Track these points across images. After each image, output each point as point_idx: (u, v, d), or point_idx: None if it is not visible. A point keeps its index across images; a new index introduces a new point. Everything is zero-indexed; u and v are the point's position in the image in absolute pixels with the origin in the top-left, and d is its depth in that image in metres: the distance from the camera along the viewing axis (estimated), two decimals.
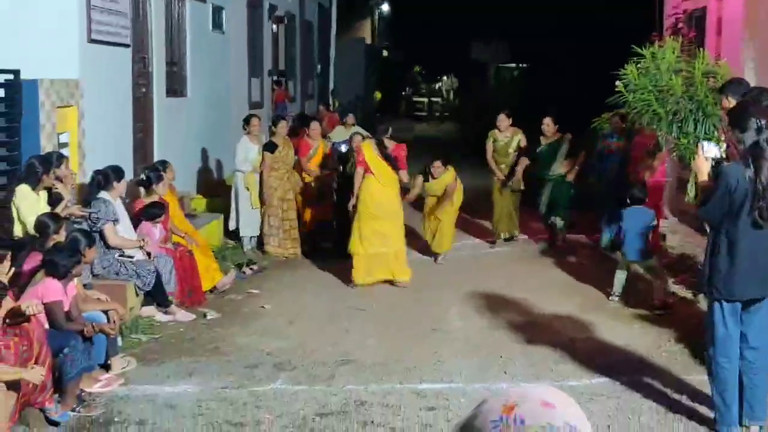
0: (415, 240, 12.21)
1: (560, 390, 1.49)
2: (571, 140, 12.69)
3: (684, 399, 6.88)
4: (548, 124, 12.65)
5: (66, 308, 6.99)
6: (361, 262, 10.53)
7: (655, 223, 10.28)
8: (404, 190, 11.16)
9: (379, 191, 10.53)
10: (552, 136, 12.66)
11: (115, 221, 8.90)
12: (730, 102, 7.38)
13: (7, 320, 6.10)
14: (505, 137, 12.68)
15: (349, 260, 10.62)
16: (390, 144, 10.73)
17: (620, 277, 9.89)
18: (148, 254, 9.07)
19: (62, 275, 6.95)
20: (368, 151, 10.63)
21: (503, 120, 12.74)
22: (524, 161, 12.68)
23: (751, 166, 5.78)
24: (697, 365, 7.55)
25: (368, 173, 10.56)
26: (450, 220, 11.97)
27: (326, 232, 12.61)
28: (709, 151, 7.66)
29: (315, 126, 12.75)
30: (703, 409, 6.61)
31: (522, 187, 12.83)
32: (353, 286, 10.50)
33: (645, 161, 11.74)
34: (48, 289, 6.87)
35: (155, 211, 9.55)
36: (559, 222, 12.73)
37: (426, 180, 11.89)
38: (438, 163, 11.97)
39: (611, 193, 12.12)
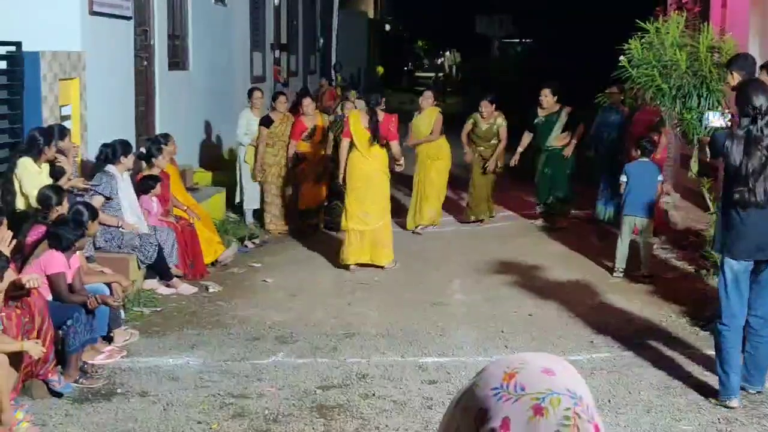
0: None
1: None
2: (570, 113, 12.60)
3: (685, 373, 6.89)
4: (546, 96, 12.52)
5: (69, 281, 7.00)
6: (349, 240, 10.21)
7: (661, 179, 10.12)
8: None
9: (361, 163, 10.16)
10: (550, 108, 12.57)
11: (108, 197, 8.87)
12: (735, 78, 7.34)
13: (9, 293, 6.10)
14: (488, 123, 12.56)
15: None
16: (380, 115, 10.29)
17: (623, 250, 9.83)
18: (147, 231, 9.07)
19: (65, 248, 6.95)
20: (355, 121, 10.25)
21: (486, 106, 12.58)
22: (527, 136, 12.61)
23: (742, 149, 5.84)
24: (699, 340, 7.58)
25: (353, 148, 10.21)
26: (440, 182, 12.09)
27: (319, 210, 12.42)
28: (715, 120, 7.65)
29: (307, 102, 12.31)
30: (704, 383, 6.63)
31: (500, 169, 12.76)
32: (343, 265, 10.18)
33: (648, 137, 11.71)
34: (51, 262, 6.88)
35: (149, 183, 9.53)
36: (559, 201, 12.67)
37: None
38: (429, 93, 12.33)
39: (607, 166, 12.22)
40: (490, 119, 12.55)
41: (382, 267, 10.20)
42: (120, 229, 8.83)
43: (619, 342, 7.63)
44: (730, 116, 7.49)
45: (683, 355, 7.28)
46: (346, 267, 10.16)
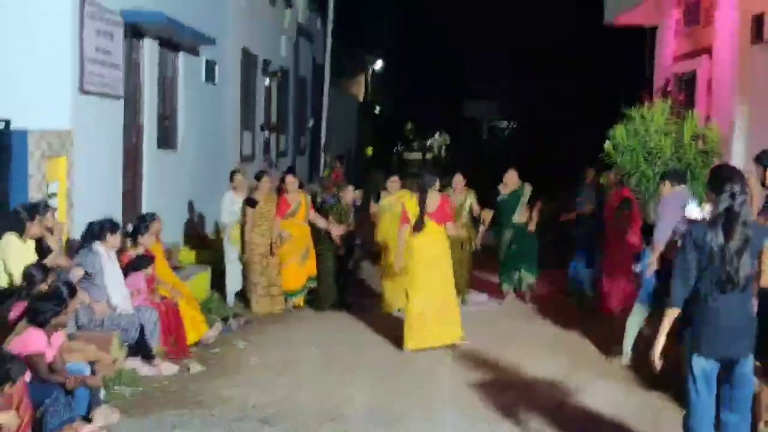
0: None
1: None
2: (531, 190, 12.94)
3: None
4: (512, 176, 12.86)
5: (49, 359, 6.92)
6: (414, 323, 10.06)
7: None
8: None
9: (428, 247, 10.13)
10: (513, 186, 12.84)
11: (89, 273, 8.83)
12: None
13: None
14: (459, 199, 12.66)
15: (325, 311, 10.57)
16: (435, 196, 10.26)
17: (635, 330, 9.58)
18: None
19: (43, 323, 6.88)
20: (412, 206, 10.23)
21: (459, 181, 12.77)
22: (487, 215, 12.67)
23: (721, 231, 5.71)
24: None
25: (413, 230, 10.14)
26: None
27: (303, 290, 12.44)
28: (692, 211, 7.71)
29: (291, 180, 12.45)
30: None
31: (478, 246, 12.84)
32: (407, 351, 10.04)
33: (615, 220, 11.84)
34: (30, 340, 6.81)
35: (142, 262, 9.52)
36: (530, 278, 12.87)
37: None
38: (395, 178, 12.40)
39: (583, 242, 12.48)
40: (461, 195, 12.63)
41: (451, 346, 10.12)
42: (89, 307, 8.75)
43: (608, 430, 7.54)
44: (708, 208, 7.52)
45: None
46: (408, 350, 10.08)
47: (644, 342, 9.64)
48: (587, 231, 12.76)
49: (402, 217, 10.31)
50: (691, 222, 7.27)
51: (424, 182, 10.34)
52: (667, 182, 9.04)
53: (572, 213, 12.97)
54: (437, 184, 10.46)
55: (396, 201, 12.23)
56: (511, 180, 12.88)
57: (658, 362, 5.89)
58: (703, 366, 5.85)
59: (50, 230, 8.53)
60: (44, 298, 7.09)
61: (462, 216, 12.58)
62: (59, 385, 6.75)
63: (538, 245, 12.96)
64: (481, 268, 14.00)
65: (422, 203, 10.14)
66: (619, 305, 11.92)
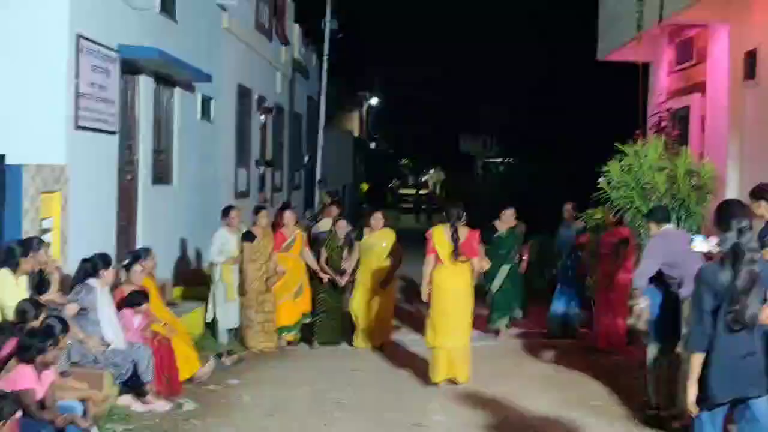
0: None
1: None
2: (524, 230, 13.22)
3: None
4: (512, 214, 13.04)
5: (40, 396, 6.87)
6: (440, 358, 10.09)
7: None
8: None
9: (448, 278, 10.05)
10: (509, 223, 13.02)
11: (83, 308, 8.80)
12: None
13: None
14: None
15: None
16: (464, 231, 10.17)
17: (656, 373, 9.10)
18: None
19: (32, 360, 6.82)
20: (439, 236, 10.12)
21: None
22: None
23: (730, 268, 5.68)
24: None
25: (438, 262, 10.08)
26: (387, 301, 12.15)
27: (298, 326, 12.41)
28: (700, 245, 7.68)
29: (288, 215, 12.54)
30: None
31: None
32: (434, 384, 10.08)
33: (612, 258, 11.86)
34: (20, 377, 6.76)
35: (138, 299, 9.47)
36: (519, 314, 13.07)
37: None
38: (379, 215, 12.37)
39: (563, 280, 12.60)
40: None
41: (456, 383, 10.10)
42: (81, 343, 8.69)
43: None
44: (714, 241, 7.48)
45: None
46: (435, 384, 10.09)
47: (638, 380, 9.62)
48: (567, 268, 12.87)
49: (428, 249, 10.14)
50: (703, 256, 7.26)
51: (452, 214, 10.21)
52: (652, 223, 8.93)
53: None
54: (464, 217, 10.32)
55: (378, 239, 12.22)
56: (508, 218, 12.93)
57: (694, 409, 5.79)
58: (711, 409, 5.77)
59: (42, 267, 8.49)
60: (34, 334, 7.05)
61: None
62: (50, 423, 6.69)
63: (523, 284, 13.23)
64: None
65: (455, 235, 10.03)
66: (615, 341, 11.94)
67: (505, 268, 12.90)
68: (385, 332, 12.35)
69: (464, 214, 10.33)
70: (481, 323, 13.35)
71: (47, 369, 7.03)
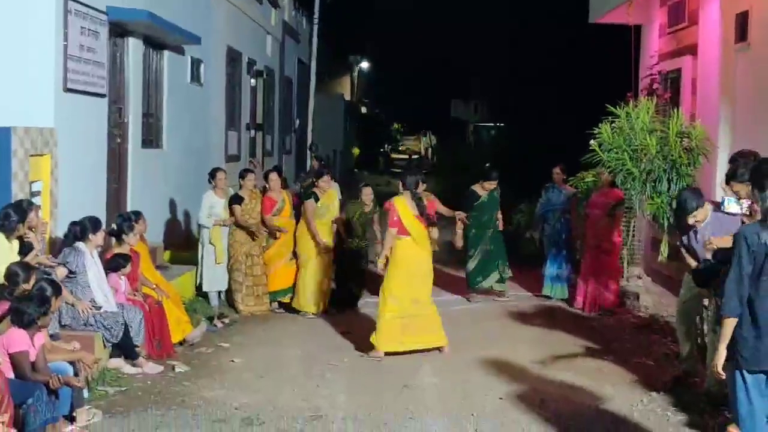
0: None
1: None
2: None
3: None
4: (495, 180, 12.97)
5: (32, 359, 6.87)
6: (386, 327, 9.83)
7: None
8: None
9: (414, 252, 9.85)
10: (490, 187, 12.96)
11: (72, 271, 8.79)
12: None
13: None
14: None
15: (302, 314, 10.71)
16: (424, 198, 10.01)
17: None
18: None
19: (27, 325, 6.85)
20: (403, 208, 9.84)
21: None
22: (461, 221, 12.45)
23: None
24: (670, 426, 7.50)
25: (402, 234, 9.82)
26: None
27: (290, 290, 12.34)
28: (733, 207, 7.62)
29: (274, 177, 12.46)
30: None
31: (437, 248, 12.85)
32: (374, 355, 9.83)
33: (604, 219, 11.86)
34: (13, 340, 6.76)
35: (119, 262, 9.45)
36: (507, 273, 13.09)
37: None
38: (369, 190, 12.42)
39: (553, 245, 12.62)
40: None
41: (439, 349, 10.00)
42: (72, 306, 8.69)
43: (591, 428, 7.53)
44: (747, 203, 7.43)
45: None
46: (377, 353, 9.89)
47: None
48: (558, 231, 12.89)
49: (390, 220, 9.92)
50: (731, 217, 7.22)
51: (411, 183, 10.02)
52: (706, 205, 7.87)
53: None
54: (423, 184, 10.22)
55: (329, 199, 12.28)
56: (491, 184, 12.95)
57: (722, 373, 5.76)
58: (752, 378, 5.67)
59: (32, 228, 8.46)
60: (28, 299, 7.05)
61: None
62: (42, 385, 6.70)
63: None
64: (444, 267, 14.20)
65: (420, 205, 9.84)
66: (605, 304, 11.98)
67: (488, 232, 12.90)
68: None
69: (422, 181, 10.19)
70: (461, 287, 13.42)
71: (39, 331, 7.04)
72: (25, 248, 8.29)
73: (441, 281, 14.01)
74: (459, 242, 12.62)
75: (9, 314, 6.97)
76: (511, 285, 13.46)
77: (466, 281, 13.22)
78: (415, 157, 49.17)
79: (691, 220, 7.56)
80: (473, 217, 12.63)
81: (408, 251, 9.86)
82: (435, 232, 10.09)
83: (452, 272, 14.48)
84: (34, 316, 6.90)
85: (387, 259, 9.98)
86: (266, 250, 12.17)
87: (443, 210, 11.96)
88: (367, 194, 12.62)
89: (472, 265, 12.99)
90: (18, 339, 6.79)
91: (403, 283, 9.86)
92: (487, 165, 13.53)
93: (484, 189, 12.95)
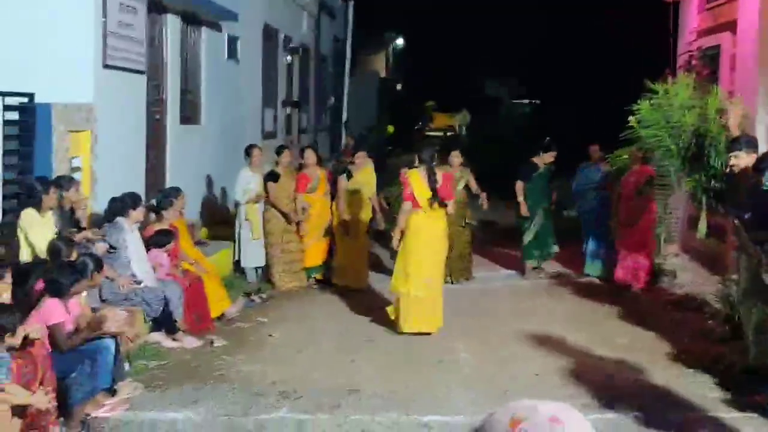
0: None
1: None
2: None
3: None
4: (553, 154, 13.02)
5: (69, 326, 6.96)
6: (407, 305, 9.66)
7: None
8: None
9: (427, 225, 9.64)
10: (548, 160, 13.03)
11: (113, 246, 8.89)
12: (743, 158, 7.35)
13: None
14: (456, 176, 12.58)
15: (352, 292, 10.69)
16: (440, 173, 9.78)
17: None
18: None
19: (62, 294, 6.92)
20: (417, 182, 9.66)
21: (455, 157, 12.69)
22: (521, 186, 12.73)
23: None
24: (709, 402, 7.49)
25: (416, 208, 9.65)
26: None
27: (324, 265, 12.41)
28: None
29: (309, 154, 12.45)
30: None
31: (473, 222, 12.83)
32: (400, 332, 9.70)
33: (635, 197, 11.80)
34: (50, 311, 6.84)
35: (163, 239, 9.56)
36: (555, 249, 13.11)
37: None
38: (362, 154, 12.39)
39: (591, 224, 12.57)
40: (457, 172, 12.47)
41: (429, 333, 9.80)
42: (112, 282, 8.78)
43: (626, 404, 7.52)
44: None
45: (691, 418, 7.19)
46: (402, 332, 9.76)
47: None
48: (594, 210, 12.81)
49: (405, 195, 9.74)
50: None
51: (427, 157, 9.83)
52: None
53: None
54: (437, 158, 10.04)
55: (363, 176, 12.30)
56: (549, 156, 12.97)
57: None
58: None
59: (73, 204, 8.58)
60: (60, 268, 7.13)
61: (459, 193, 12.54)
62: (84, 358, 6.78)
63: None
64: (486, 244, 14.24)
65: (433, 180, 9.63)
66: (637, 282, 11.93)
67: (542, 205, 12.96)
68: None
69: (437, 155, 10.03)
70: (510, 261, 13.46)
71: (72, 298, 7.11)
72: (76, 225, 8.43)
73: (493, 256, 14.11)
74: (524, 210, 12.67)
75: (45, 286, 7.05)
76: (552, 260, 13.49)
77: (521, 255, 13.24)
78: (450, 134, 48.93)
79: (732, 160, 7.53)
80: (529, 189, 12.73)
81: (424, 226, 9.66)
82: (451, 206, 9.95)
83: (504, 247, 14.43)
84: (68, 286, 6.97)
85: (402, 234, 9.76)
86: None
87: (473, 186, 11.99)
88: None
89: (528, 238, 12.99)
90: (54, 310, 6.85)
91: (418, 260, 9.63)
92: (548, 138, 13.45)
93: (543, 161, 12.96)
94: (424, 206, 9.61)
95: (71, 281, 7.01)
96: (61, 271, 7.05)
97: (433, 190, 9.60)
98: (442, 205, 9.66)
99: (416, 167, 9.89)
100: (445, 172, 9.96)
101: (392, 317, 9.87)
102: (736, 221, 7.73)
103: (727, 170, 7.62)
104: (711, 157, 10.59)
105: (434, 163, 9.80)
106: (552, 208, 13.14)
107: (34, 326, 6.32)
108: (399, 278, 9.75)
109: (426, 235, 9.63)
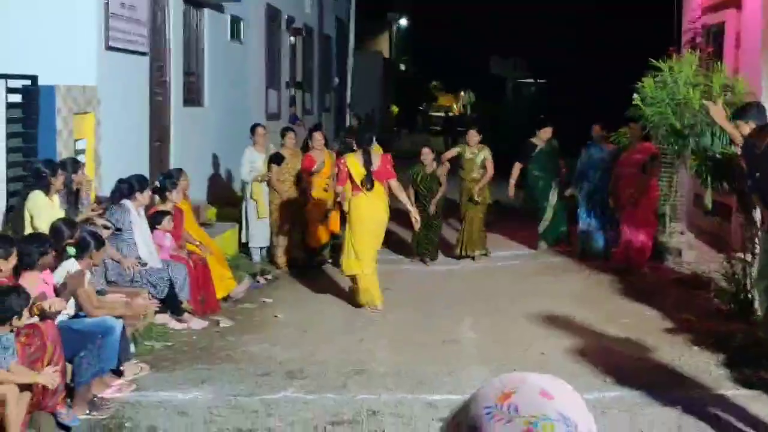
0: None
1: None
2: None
3: (699, 415, 6.80)
4: (549, 131, 13.30)
5: (52, 295, 6.81)
6: (366, 284, 9.94)
7: None
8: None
9: (369, 204, 9.91)
10: (547, 137, 13.28)
11: (118, 228, 8.88)
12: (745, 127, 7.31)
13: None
14: (473, 153, 12.66)
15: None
16: (377, 155, 10.11)
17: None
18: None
19: (32, 265, 6.72)
20: (354, 165, 9.91)
21: (473, 136, 12.79)
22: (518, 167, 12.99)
23: None
24: (713, 380, 7.49)
25: (356, 190, 9.93)
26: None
27: (327, 246, 12.42)
28: None
29: (317, 136, 12.48)
30: (719, 425, 6.53)
31: (489, 201, 12.82)
32: (374, 309, 9.92)
33: (639, 175, 11.73)
34: (28, 284, 6.66)
35: (158, 218, 9.53)
36: (564, 229, 13.37)
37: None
38: (473, 132, 12.75)
39: (593, 202, 12.57)
40: (475, 149, 12.61)
41: (374, 311, 9.96)
42: (116, 262, 8.79)
43: (631, 381, 7.53)
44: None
45: (697, 396, 7.20)
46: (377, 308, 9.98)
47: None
48: (596, 189, 12.75)
49: (340, 178, 10.04)
50: None
51: (364, 141, 10.17)
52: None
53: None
54: (374, 140, 10.48)
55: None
56: (546, 133, 13.17)
57: None
58: None
59: (78, 186, 8.57)
60: (28, 239, 7.00)
61: (475, 171, 12.61)
62: (92, 338, 6.77)
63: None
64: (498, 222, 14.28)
65: (368, 162, 9.88)
66: (641, 260, 11.90)
67: (554, 183, 13.08)
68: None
69: (374, 137, 10.39)
70: (524, 239, 13.50)
71: (46, 269, 6.99)
72: (80, 206, 8.44)
73: (509, 234, 14.09)
74: (478, 193, 12.59)
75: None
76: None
77: (537, 235, 13.36)
78: (452, 114, 48.88)
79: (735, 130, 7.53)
80: (537, 168, 12.87)
81: (366, 206, 9.90)
82: (395, 186, 10.11)
83: (517, 228, 14.46)
84: (36, 256, 6.73)
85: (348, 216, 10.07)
86: (305, 207, 12.22)
87: (488, 165, 12.38)
88: (427, 153, 12.66)
89: (545, 223, 13.08)
90: (32, 282, 6.59)
91: (364, 239, 9.91)
92: (542, 116, 13.55)
93: (540, 139, 13.11)
94: (361, 187, 9.89)
95: (41, 251, 6.76)
96: (27, 243, 6.83)
97: (368, 171, 9.84)
98: (371, 186, 9.89)
99: (354, 151, 10.28)
100: (383, 155, 10.26)
101: (361, 302, 10.04)
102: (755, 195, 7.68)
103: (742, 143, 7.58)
104: (716, 134, 10.54)
105: (371, 147, 10.17)
106: (563, 171, 13.28)
107: (53, 300, 6.31)
108: (350, 260, 9.97)
109: (367, 215, 9.90)
